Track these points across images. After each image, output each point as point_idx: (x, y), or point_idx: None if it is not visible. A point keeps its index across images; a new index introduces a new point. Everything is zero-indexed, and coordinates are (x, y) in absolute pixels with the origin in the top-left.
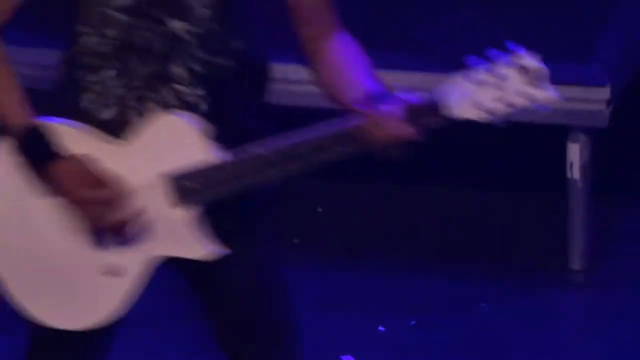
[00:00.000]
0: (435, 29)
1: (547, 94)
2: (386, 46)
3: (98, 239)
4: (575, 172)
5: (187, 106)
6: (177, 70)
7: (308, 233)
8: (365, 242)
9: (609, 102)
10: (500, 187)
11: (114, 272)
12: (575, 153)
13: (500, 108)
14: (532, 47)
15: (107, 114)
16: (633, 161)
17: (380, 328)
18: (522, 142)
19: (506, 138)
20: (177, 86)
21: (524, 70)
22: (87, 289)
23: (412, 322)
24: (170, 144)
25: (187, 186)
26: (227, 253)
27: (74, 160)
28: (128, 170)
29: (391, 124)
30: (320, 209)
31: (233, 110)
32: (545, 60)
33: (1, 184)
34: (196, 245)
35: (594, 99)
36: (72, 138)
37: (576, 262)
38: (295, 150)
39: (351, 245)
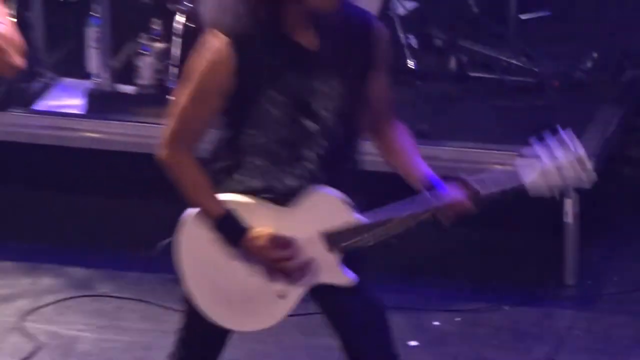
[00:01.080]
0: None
1: (590, 176)
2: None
3: (273, 277)
4: (569, 217)
5: (314, 179)
6: (309, 154)
7: None
8: (382, 264)
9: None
10: (511, 227)
11: (281, 296)
12: (569, 205)
13: (558, 186)
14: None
15: (264, 187)
16: (610, 207)
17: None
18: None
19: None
20: (308, 164)
21: (580, 161)
22: (262, 307)
23: (414, 344)
24: (323, 210)
25: (337, 238)
26: (358, 280)
27: (260, 233)
28: (294, 230)
29: (460, 206)
30: None
31: (344, 180)
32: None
33: (206, 247)
34: (340, 275)
35: None
36: (249, 209)
37: (569, 278)
38: (396, 220)
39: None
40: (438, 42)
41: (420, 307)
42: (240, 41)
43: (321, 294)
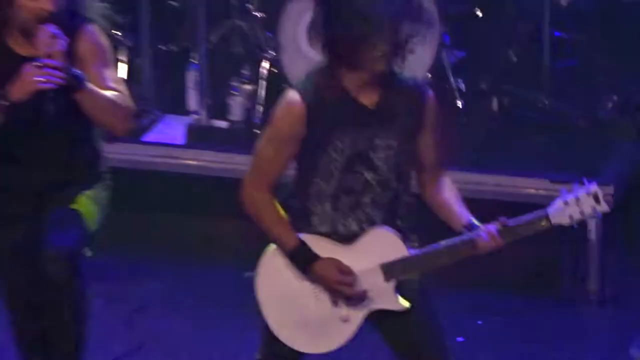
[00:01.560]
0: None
1: (604, 208)
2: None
3: (337, 302)
4: (592, 233)
5: (372, 222)
6: (367, 200)
7: None
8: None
9: (612, 195)
10: (543, 241)
11: (345, 320)
12: (592, 223)
13: (578, 218)
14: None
15: (330, 231)
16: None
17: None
18: None
19: None
20: (367, 210)
21: (595, 196)
22: (329, 330)
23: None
24: (380, 245)
25: (393, 270)
26: (410, 306)
27: (327, 261)
28: (356, 263)
29: (491, 243)
30: None
31: (398, 220)
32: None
33: (282, 278)
34: (395, 302)
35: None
36: (318, 245)
37: (592, 285)
38: (440, 254)
39: None
40: (483, 86)
41: (467, 308)
42: (312, 98)
43: (379, 318)
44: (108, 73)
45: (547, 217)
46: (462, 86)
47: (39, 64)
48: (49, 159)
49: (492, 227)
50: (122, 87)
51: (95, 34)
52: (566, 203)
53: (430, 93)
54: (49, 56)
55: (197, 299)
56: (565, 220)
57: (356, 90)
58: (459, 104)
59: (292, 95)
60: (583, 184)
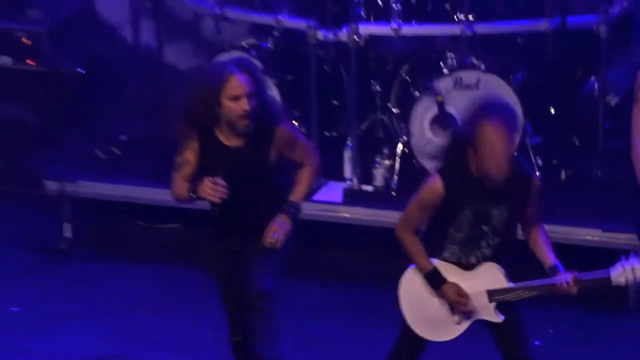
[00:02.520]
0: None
1: None
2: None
3: (454, 312)
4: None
5: (486, 258)
6: (483, 244)
7: None
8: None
9: None
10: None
11: (458, 323)
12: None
13: (632, 281)
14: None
15: (456, 261)
16: None
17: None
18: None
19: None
20: (483, 250)
21: None
22: (448, 328)
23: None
24: (489, 276)
25: (495, 294)
26: (504, 319)
27: (450, 284)
28: (470, 287)
29: (567, 288)
30: None
31: (504, 258)
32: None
33: (418, 290)
34: (494, 316)
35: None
36: (446, 269)
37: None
38: (530, 288)
39: None
40: (554, 162)
41: (543, 317)
42: (447, 178)
43: (489, 324)
44: (301, 145)
45: (608, 278)
46: (540, 162)
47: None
48: (259, 222)
49: (569, 276)
50: (311, 151)
51: (287, 126)
52: (624, 270)
53: (537, 178)
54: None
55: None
56: (621, 283)
57: (479, 173)
58: (537, 175)
59: (435, 178)
60: (638, 255)
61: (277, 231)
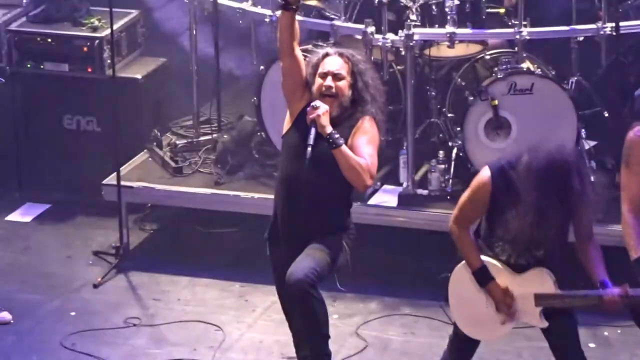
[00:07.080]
0: None
1: None
2: None
3: (499, 311)
4: None
5: (536, 262)
6: (533, 248)
7: None
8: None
9: None
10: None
11: (503, 323)
12: None
13: None
14: None
15: (505, 260)
16: None
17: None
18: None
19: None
20: (534, 253)
21: None
22: (494, 327)
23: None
24: (537, 280)
25: (542, 299)
26: (548, 324)
27: (497, 284)
28: (518, 288)
29: (613, 303)
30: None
31: (552, 265)
32: None
33: (467, 287)
34: (539, 321)
35: None
36: (495, 268)
37: None
38: (577, 297)
39: None
40: (609, 165)
41: (592, 324)
42: (496, 176)
43: (542, 330)
44: (366, 148)
45: None
46: (594, 165)
47: (313, 104)
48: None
49: (617, 291)
50: (372, 160)
51: (369, 122)
52: None
53: (586, 192)
54: (312, 121)
55: None
56: None
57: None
58: (592, 178)
59: (484, 172)
60: None
61: (320, 106)
